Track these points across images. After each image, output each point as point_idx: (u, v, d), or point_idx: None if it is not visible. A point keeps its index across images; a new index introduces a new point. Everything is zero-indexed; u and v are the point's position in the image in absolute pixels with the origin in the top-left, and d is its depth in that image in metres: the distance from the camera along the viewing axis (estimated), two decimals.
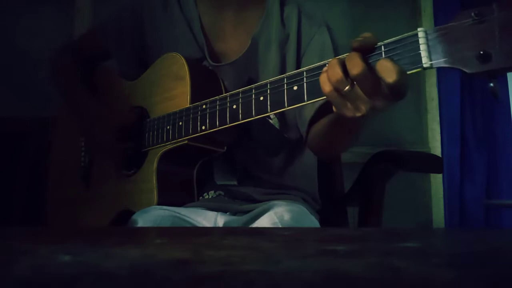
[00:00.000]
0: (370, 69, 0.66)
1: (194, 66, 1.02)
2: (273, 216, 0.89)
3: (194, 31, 1.10)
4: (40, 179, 1.30)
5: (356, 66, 0.66)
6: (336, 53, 1.06)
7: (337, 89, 0.68)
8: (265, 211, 0.95)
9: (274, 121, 1.05)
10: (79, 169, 1.21)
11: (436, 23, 2.12)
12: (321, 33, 1.06)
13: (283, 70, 1.06)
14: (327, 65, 0.71)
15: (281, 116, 1.06)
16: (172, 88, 1.02)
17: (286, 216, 0.92)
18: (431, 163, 1.28)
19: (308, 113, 1.00)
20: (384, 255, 0.43)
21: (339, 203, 1.34)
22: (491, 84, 0.60)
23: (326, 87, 0.69)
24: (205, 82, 1.02)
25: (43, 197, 1.28)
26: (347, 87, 0.67)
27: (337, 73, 0.68)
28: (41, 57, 1.26)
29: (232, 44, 1.09)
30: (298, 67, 1.06)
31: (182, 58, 1.00)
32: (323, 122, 0.96)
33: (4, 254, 0.44)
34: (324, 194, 1.20)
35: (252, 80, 1.05)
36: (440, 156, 2.05)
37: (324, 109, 0.93)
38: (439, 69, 2.16)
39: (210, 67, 1.07)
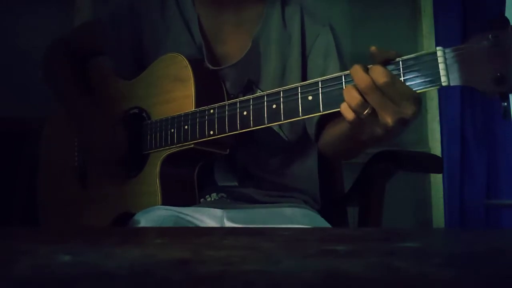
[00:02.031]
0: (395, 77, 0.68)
1: (197, 67, 1.00)
2: (291, 221, 0.91)
3: (192, 32, 1.09)
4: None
5: (381, 74, 0.67)
6: (339, 53, 1.05)
7: (357, 114, 0.70)
8: (278, 214, 0.96)
9: None
10: (73, 168, 1.19)
11: (435, 23, 2.12)
12: (325, 33, 1.05)
13: (284, 72, 1.05)
14: (344, 93, 0.71)
15: None
16: (174, 90, 1.01)
17: (304, 221, 0.94)
18: (431, 163, 1.28)
19: (315, 116, 1.00)
20: (384, 255, 0.43)
21: (339, 203, 1.33)
22: (505, 104, 0.63)
23: (350, 115, 0.71)
24: (208, 85, 1.01)
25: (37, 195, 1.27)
26: (366, 111, 0.69)
27: (356, 97, 0.69)
28: (41, 57, 1.26)
29: (233, 46, 1.08)
30: (303, 67, 1.06)
31: (185, 60, 0.99)
32: (333, 130, 0.96)
33: (4, 254, 0.44)
34: (324, 194, 1.20)
35: (252, 82, 1.05)
36: (440, 156, 2.05)
37: None
38: None
39: (210, 69, 1.06)
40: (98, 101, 1.15)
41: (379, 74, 0.68)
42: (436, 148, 2.11)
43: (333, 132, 0.97)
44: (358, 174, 1.21)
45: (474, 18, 2.07)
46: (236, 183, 1.05)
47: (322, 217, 1.06)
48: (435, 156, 1.80)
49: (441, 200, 2.09)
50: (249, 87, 1.05)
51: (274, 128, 1.05)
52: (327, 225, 1.02)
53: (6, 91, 1.78)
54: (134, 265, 0.38)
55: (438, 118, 2.13)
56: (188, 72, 0.98)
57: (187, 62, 0.99)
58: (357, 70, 0.69)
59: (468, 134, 2.11)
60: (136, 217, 0.93)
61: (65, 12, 1.92)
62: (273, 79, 1.04)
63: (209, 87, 1.01)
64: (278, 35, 1.06)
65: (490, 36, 0.63)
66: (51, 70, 1.22)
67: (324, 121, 1.01)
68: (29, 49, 1.75)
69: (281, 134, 1.06)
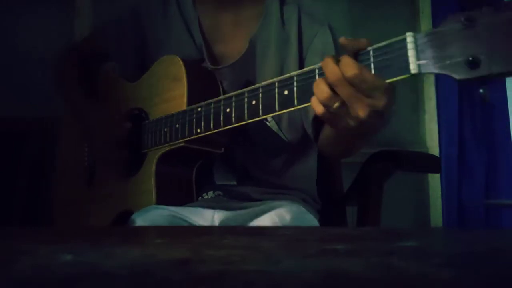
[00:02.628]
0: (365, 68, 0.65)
1: (192, 67, 1.02)
2: (274, 216, 0.89)
3: (192, 32, 1.10)
4: (40, 179, 1.29)
5: (351, 67, 0.65)
6: (338, 54, 1.05)
7: (327, 108, 0.68)
8: (264, 211, 0.95)
9: (271, 123, 1.05)
10: (83, 170, 1.22)
11: (434, 24, 2.12)
12: (323, 33, 1.05)
13: (282, 72, 1.05)
14: (313, 87, 0.69)
15: (278, 119, 1.05)
16: (170, 90, 1.02)
17: (287, 216, 0.92)
18: (429, 163, 1.28)
19: (311, 114, 0.99)
20: (384, 255, 0.43)
21: (338, 202, 1.34)
22: (481, 91, 0.60)
23: (319, 109, 0.69)
24: (202, 84, 1.02)
25: (44, 197, 1.28)
26: (336, 104, 0.67)
27: (324, 90, 0.67)
28: (41, 57, 1.26)
29: (231, 46, 1.09)
30: (301, 68, 1.06)
31: (180, 60, 1.01)
32: (330, 128, 0.96)
33: (4, 254, 0.44)
34: (323, 194, 1.20)
35: (250, 82, 1.05)
36: (438, 156, 2.05)
37: None
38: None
39: (209, 69, 1.07)
40: (103, 104, 1.18)
41: (347, 66, 0.65)
42: (434, 148, 2.11)
43: (328, 129, 0.97)
44: (357, 174, 1.21)
45: None
46: (235, 182, 1.06)
47: (321, 216, 1.06)
48: (433, 156, 1.81)
49: (439, 200, 2.09)
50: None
51: (273, 129, 1.05)
52: (316, 222, 1.01)
53: (6, 91, 1.78)
54: (134, 265, 0.38)
55: (436, 118, 2.13)
56: (181, 71, 0.99)
57: (181, 61, 1.00)
58: (327, 63, 0.67)
59: (466, 134, 2.11)
60: (133, 217, 0.94)
61: (65, 12, 1.92)
62: (270, 79, 1.04)
63: (203, 86, 1.02)
64: (277, 35, 1.06)
65: (462, 18, 0.57)
66: (60, 78, 1.26)
67: (320, 121, 1.01)
68: (29, 49, 1.75)
69: (280, 134, 1.06)
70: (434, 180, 2.11)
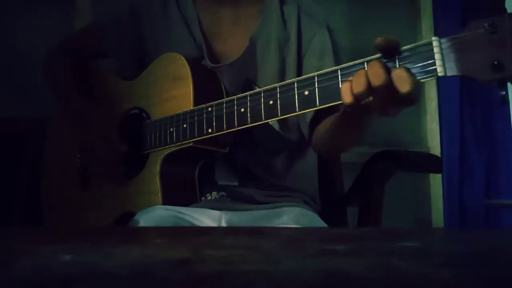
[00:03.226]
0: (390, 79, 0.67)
1: (195, 66, 1.01)
2: (290, 222, 0.90)
3: (192, 30, 1.09)
4: (40, 179, 1.29)
5: (379, 76, 0.67)
6: (336, 55, 1.05)
7: (358, 100, 0.69)
8: (276, 215, 0.95)
9: (273, 122, 1.05)
10: (76, 170, 1.19)
11: (435, 24, 2.12)
12: (322, 34, 1.05)
13: (282, 71, 1.05)
14: (353, 76, 0.71)
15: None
16: (172, 89, 1.01)
17: (302, 221, 0.93)
18: (430, 163, 1.28)
19: (309, 115, 0.99)
20: (384, 255, 0.43)
21: (339, 203, 1.33)
22: (503, 93, 0.62)
23: (347, 97, 0.70)
24: (206, 83, 1.01)
25: (42, 197, 1.27)
26: (369, 99, 0.69)
27: (363, 84, 0.68)
28: (41, 57, 1.26)
29: (231, 44, 1.08)
30: (299, 67, 1.06)
31: (183, 58, 0.99)
32: (326, 124, 0.96)
33: (4, 254, 0.44)
34: (324, 194, 1.20)
35: (250, 81, 1.04)
36: (439, 156, 2.05)
37: (325, 110, 0.93)
38: None
39: (209, 67, 1.06)
40: (99, 102, 1.15)
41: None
42: (435, 148, 2.11)
43: (322, 126, 0.98)
44: (358, 174, 1.21)
45: (474, 19, 2.06)
46: (236, 183, 1.05)
47: (322, 217, 1.06)
48: (435, 156, 1.81)
49: (441, 200, 2.08)
50: (248, 86, 1.05)
51: (275, 127, 1.05)
52: (325, 225, 1.02)
53: (6, 91, 1.78)
54: (134, 265, 0.38)
55: (437, 118, 2.13)
56: (186, 70, 0.98)
57: (185, 60, 0.99)
58: (375, 65, 0.68)
59: (467, 134, 2.10)
60: (136, 217, 0.93)
61: (65, 12, 1.92)
62: (271, 78, 1.04)
63: (207, 85, 1.01)
64: (277, 34, 1.06)
65: (486, 23, 0.62)
66: (52, 72, 1.23)
67: (316, 123, 1.01)
68: (29, 49, 1.75)
69: (282, 133, 1.06)
70: (435, 180, 2.11)
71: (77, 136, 1.18)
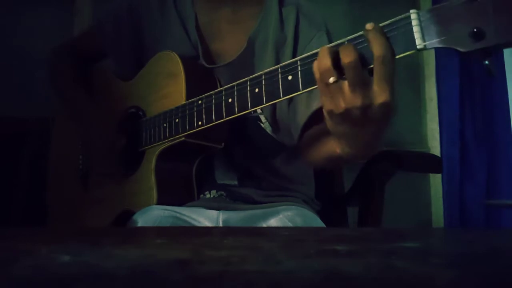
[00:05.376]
0: (362, 61, 0.65)
1: (189, 63, 1.01)
2: (286, 221, 0.89)
3: (188, 30, 1.09)
4: (40, 179, 1.29)
5: (349, 55, 0.65)
6: None
7: (323, 79, 0.67)
8: (271, 214, 0.95)
9: (265, 125, 1.04)
10: (78, 170, 1.21)
11: None
12: (319, 38, 1.03)
13: None
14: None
15: (272, 120, 1.04)
16: (167, 86, 1.02)
17: (298, 220, 0.92)
18: (431, 163, 1.28)
19: (301, 119, 0.98)
20: (384, 255, 0.43)
21: (339, 203, 1.34)
22: (486, 62, 0.60)
23: (316, 75, 0.69)
24: (200, 79, 1.01)
25: (43, 197, 1.28)
26: (331, 78, 0.66)
27: (325, 63, 0.66)
28: (41, 57, 1.26)
29: (228, 44, 1.08)
30: None
31: (176, 56, 1.00)
32: (315, 130, 0.95)
33: (4, 254, 0.44)
34: (324, 194, 1.20)
35: None
36: (440, 156, 2.05)
37: (319, 115, 0.91)
38: (438, 69, 2.17)
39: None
40: (99, 102, 1.16)
41: (347, 54, 0.64)
42: (435, 148, 2.12)
43: (312, 131, 0.96)
44: (358, 174, 1.21)
45: None
46: (236, 182, 1.05)
47: (322, 217, 1.06)
48: (435, 156, 1.81)
49: (441, 200, 2.09)
50: None
51: (267, 131, 1.04)
52: (323, 225, 1.01)
53: (6, 91, 1.78)
54: (134, 265, 0.38)
55: (437, 118, 2.13)
56: (179, 67, 0.99)
57: (178, 57, 1.00)
58: (349, 47, 0.66)
59: (467, 134, 2.11)
60: (134, 217, 0.93)
61: (65, 12, 1.92)
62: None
63: (201, 82, 1.01)
64: (275, 35, 1.05)
65: None
66: (55, 73, 1.24)
67: (307, 128, 0.99)
68: (29, 49, 1.76)
69: (274, 136, 1.05)
70: (435, 180, 2.11)
71: (80, 137, 1.20)
